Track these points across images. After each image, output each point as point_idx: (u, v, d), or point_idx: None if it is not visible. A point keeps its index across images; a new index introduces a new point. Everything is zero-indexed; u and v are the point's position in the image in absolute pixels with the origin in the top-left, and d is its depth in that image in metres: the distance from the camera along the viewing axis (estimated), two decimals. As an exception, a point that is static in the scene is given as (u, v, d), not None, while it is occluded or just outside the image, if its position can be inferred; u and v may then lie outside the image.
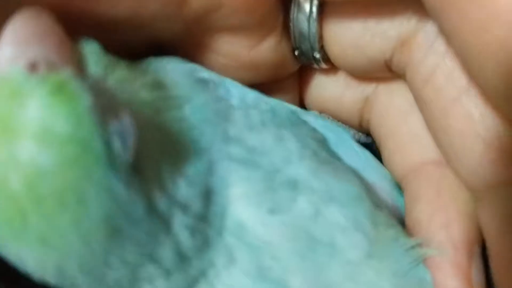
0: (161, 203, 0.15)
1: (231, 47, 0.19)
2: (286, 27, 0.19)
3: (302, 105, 0.23)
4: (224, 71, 0.19)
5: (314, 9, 0.18)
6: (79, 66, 0.14)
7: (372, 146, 0.23)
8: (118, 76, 0.15)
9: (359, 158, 0.20)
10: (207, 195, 0.16)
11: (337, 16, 0.19)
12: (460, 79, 0.17)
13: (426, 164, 0.20)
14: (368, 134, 0.23)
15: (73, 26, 0.14)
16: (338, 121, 0.22)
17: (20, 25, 0.14)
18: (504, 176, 0.16)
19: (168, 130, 0.16)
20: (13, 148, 0.13)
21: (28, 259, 0.14)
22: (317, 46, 0.19)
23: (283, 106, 0.20)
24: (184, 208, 0.16)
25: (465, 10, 0.14)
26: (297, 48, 0.20)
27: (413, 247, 0.18)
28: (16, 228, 0.13)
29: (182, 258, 0.16)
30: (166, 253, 0.15)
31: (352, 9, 0.18)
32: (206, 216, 0.16)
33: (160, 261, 0.15)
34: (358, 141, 0.23)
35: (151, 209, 0.15)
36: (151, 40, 0.18)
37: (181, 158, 0.16)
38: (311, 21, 0.19)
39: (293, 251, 0.17)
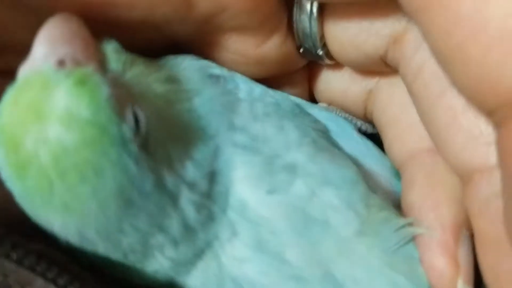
0: (169, 181, 0.17)
1: (239, 45, 0.20)
2: (290, 26, 0.21)
3: (312, 97, 0.25)
4: (234, 67, 0.21)
5: (314, 10, 0.20)
6: (101, 63, 0.17)
7: (378, 136, 0.24)
8: (134, 72, 0.18)
9: (360, 147, 0.22)
10: (212, 176, 0.18)
11: (335, 16, 0.20)
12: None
13: (421, 152, 0.21)
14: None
15: (96, 28, 0.17)
16: (346, 112, 0.24)
17: (52, 27, 0.16)
18: (484, 162, 0.18)
19: (178, 119, 0.18)
20: (43, 129, 0.15)
21: (54, 223, 0.16)
22: (319, 44, 0.21)
23: (287, 99, 0.21)
24: (191, 186, 0.18)
25: (433, 15, 0.15)
26: (302, 46, 0.21)
27: (403, 227, 0.20)
28: (44, 195, 0.15)
29: (188, 230, 0.18)
30: (174, 225, 0.17)
31: (348, 11, 0.20)
32: (211, 194, 0.18)
33: (169, 231, 0.17)
34: (365, 132, 0.24)
35: (160, 185, 0.17)
36: (167, 39, 0.20)
37: (189, 144, 0.18)
38: (312, 21, 0.20)
39: (290, 227, 0.19)
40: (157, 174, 0.16)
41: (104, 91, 0.15)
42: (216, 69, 0.21)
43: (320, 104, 0.24)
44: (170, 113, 0.18)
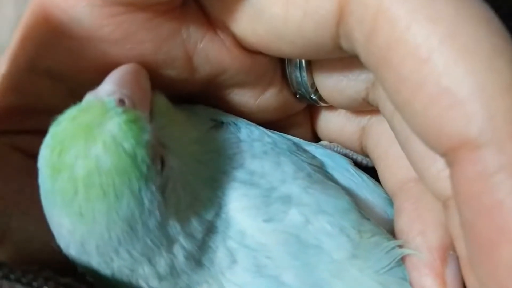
0: (172, 227, 0.19)
1: (240, 98, 0.23)
2: (285, 76, 0.24)
3: (316, 135, 0.28)
4: (239, 115, 0.24)
5: (303, 63, 0.23)
6: (150, 112, 0.19)
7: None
8: (172, 129, 0.20)
9: (355, 179, 0.24)
10: (209, 228, 0.20)
11: (320, 66, 0.23)
12: None
13: (408, 181, 0.23)
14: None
15: None
16: (346, 148, 0.27)
17: (122, 71, 0.19)
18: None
19: (195, 178, 0.20)
20: (88, 146, 0.17)
21: (64, 226, 0.18)
22: (311, 90, 0.24)
23: (285, 138, 0.24)
24: (188, 237, 0.20)
25: (384, 74, 0.17)
26: (297, 93, 0.24)
27: (393, 248, 0.21)
28: (66, 199, 0.17)
29: (173, 271, 0.20)
30: (162, 263, 0.19)
31: (331, 62, 0.22)
32: (203, 246, 0.20)
33: (156, 266, 0.19)
34: (367, 165, 0.27)
35: (162, 227, 0.19)
36: (180, 94, 0.23)
37: (199, 202, 0.20)
38: (301, 72, 0.23)
39: (285, 252, 0.21)
40: (163, 217, 0.19)
41: (146, 134, 0.18)
42: (222, 116, 0.24)
43: (321, 142, 0.27)
44: (190, 171, 0.20)
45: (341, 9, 0.18)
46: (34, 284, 0.17)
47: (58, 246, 0.19)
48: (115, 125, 0.17)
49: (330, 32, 0.19)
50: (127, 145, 0.17)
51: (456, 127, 0.16)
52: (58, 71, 0.20)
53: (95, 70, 0.20)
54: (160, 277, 0.20)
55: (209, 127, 0.23)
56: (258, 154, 0.23)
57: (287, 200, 0.22)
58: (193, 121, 0.22)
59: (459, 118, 0.16)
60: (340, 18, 0.18)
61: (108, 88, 0.18)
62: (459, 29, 0.16)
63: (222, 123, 0.23)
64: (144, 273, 0.19)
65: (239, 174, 0.22)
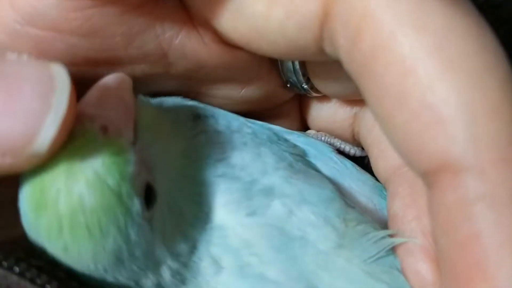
0: (159, 251, 0.19)
1: (223, 92, 0.23)
2: (273, 68, 0.23)
3: (306, 124, 0.27)
4: (221, 107, 0.23)
5: None
6: (136, 126, 0.18)
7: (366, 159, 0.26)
8: (158, 146, 0.19)
9: (338, 167, 0.24)
10: (195, 243, 0.20)
11: None
12: None
13: (403, 166, 0.22)
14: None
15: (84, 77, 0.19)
16: (335, 137, 0.26)
17: (102, 89, 0.17)
18: None
19: (182, 196, 0.20)
20: (70, 183, 0.16)
21: (49, 251, 0.17)
22: (302, 79, 0.23)
23: (265, 128, 0.24)
24: (175, 257, 0.19)
25: (366, 82, 0.16)
26: (288, 82, 0.24)
27: (382, 238, 0.21)
28: (51, 235, 0.17)
29: None
30: (149, 284, 0.19)
31: None
32: (189, 261, 0.20)
33: (143, 286, 0.19)
34: (354, 155, 0.26)
35: (149, 253, 0.18)
36: (157, 89, 0.22)
37: (185, 221, 0.20)
38: (294, 61, 0.22)
39: (269, 246, 0.20)
40: (150, 245, 0.18)
41: (131, 168, 0.17)
42: (200, 109, 0.23)
43: (308, 131, 0.26)
44: (176, 188, 0.20)
45: (325, 10, 0.17)
46: (4, 263, 0.17)
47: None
48: (98, 160, 0.17)
49: (313, 34, 0.18)
50: (111, 181, 0.17)
51: (436, 147, 0.15)
52: None
53: (64, 63, 0.20)
54: None
55: (193, 133, 0.22)
56: (238, 145, 0.22)
57: (269, 192, 0.21)
58: (178, 126, 0.22)
59: (441, 138, 0.15)
60: (324, 20, 0.17)
61: (89, 112, 0.17)
62: (448, 42, 0.15)
63: (199, 116, 0.23)
64: None
65: (220, 168, 0.21)
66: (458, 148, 0.15)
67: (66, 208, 0.16)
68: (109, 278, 0.18)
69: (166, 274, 0.19)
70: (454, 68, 0.15)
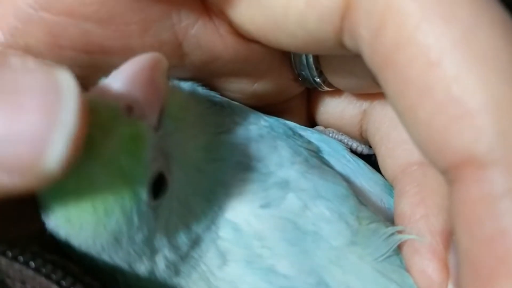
0: (158, 240, 0.18)
1: (236, 85, 0.22)
2: (285, 61, 0.23)
3: (313, 120, 0.27)
4: (234, 99, 0.23)
5: None
6: (162, 113, 0.18)
7: (374, 158, 0.26)
8: (180, 136, 0.19)
9: (351, 165, 0.24)
10: (197, 240, 0.20)
11: None
12: None
13: (411, 165, 0.22)
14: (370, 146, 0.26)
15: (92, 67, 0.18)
16: (342, 134, 0.26)
17: (135, 67, 0.17)
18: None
19: (195, 191, 0.19)
20: (84, 155, 0.16)
21: (51, 222, 0.17)
22: (315, 72, 0.23)
23: (280, 123, 0.23)
24: (173, 248, 0.19)
25: (388, 76, 0.16)
26: (300, 75, 0.23)
27: (392, 235, 0.21)
28: (56, 205, 0.16)
29: (152, 276, 0.19)
30: (142, 268, 0.19)
31: None
32: (187, 256, 0.20)
33: (136, 270, 0.19)
34: (361, 153, 0.26)
35: (148, 240, 0.18)
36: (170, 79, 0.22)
37: (192, 216, 0.19)
38: (308, 54, 0.22)
39: (282, 238, 0.20)
40: (151, 233, 0.18)
41: (147, 154, 0.17)
42: (217, 98, 0.23)
43: (316, 127, 0.26)
44: (190, 182, 0.19)
45: (347, 1, 0.16)
46: (20, 258, 0.16)
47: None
48: (117, 139, 0.16)
49: (334, 26, 0.17)
50: (126, 163, 0.16)
51: (462, 141, 0.15)
52: (37, 49, 0.19)
53: (76, 49, 0.19)
54: (139, 279, 0.19)
55: (218, 131, 0.22)
56: (255, 137, 0.22)
57: (284, 185, 0.21)
58: (204, 119, 0.21)
59: (467, 131, 0.14)
60: (346, 12, 0.17)
61: (116, 88, 0.17)
62: (475, 33, 0.15)
63: (216, 105, 0.22)
64: (123, 276, 0.19)
65: (237, 157, 0.21)
66: (485, 142, 0.14)
67: (73, 181, 0.16)
68: (105, 256, 0.18)
69: (161, 263, 0.19)
70: (481, 61, 0.14)
